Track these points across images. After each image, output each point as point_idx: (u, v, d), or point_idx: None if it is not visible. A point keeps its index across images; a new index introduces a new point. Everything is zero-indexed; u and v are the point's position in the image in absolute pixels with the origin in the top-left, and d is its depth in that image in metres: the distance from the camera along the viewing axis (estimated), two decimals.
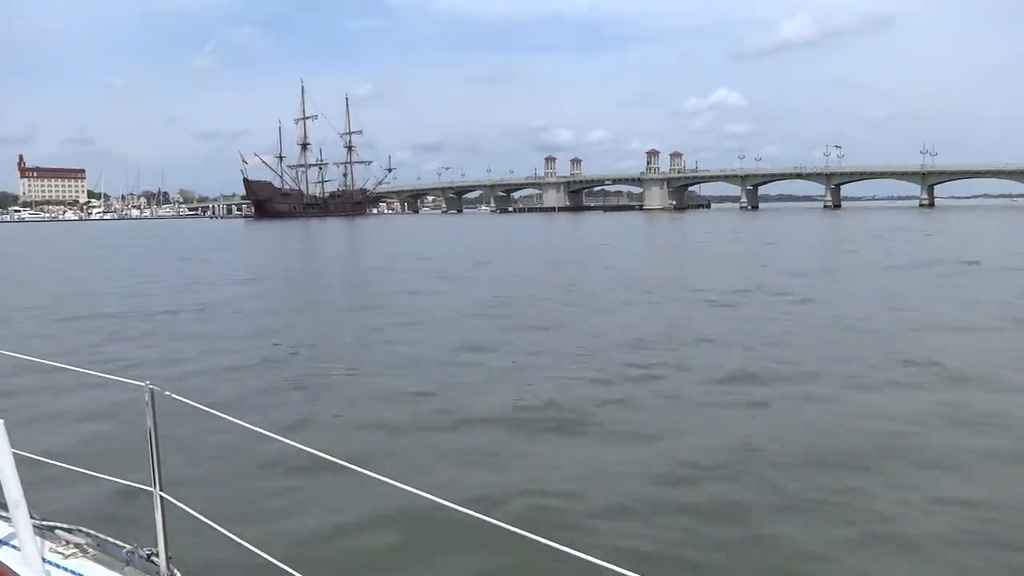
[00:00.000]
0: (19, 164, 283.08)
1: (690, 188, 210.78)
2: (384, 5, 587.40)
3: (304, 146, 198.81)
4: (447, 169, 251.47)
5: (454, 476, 8.04)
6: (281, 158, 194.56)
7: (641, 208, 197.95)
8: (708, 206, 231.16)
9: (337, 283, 32.55)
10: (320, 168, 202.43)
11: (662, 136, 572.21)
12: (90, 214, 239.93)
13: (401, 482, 2.99)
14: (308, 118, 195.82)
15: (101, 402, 10.61)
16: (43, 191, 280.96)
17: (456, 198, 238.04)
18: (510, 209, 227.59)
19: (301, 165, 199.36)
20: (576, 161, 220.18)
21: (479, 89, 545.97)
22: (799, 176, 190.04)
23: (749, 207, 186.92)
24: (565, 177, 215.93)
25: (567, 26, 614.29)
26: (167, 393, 3.28)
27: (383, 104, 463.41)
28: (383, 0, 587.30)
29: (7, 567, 2.67)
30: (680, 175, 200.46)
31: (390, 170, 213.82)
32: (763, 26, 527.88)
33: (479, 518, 2.86)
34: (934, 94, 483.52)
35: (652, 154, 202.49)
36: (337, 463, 3.18)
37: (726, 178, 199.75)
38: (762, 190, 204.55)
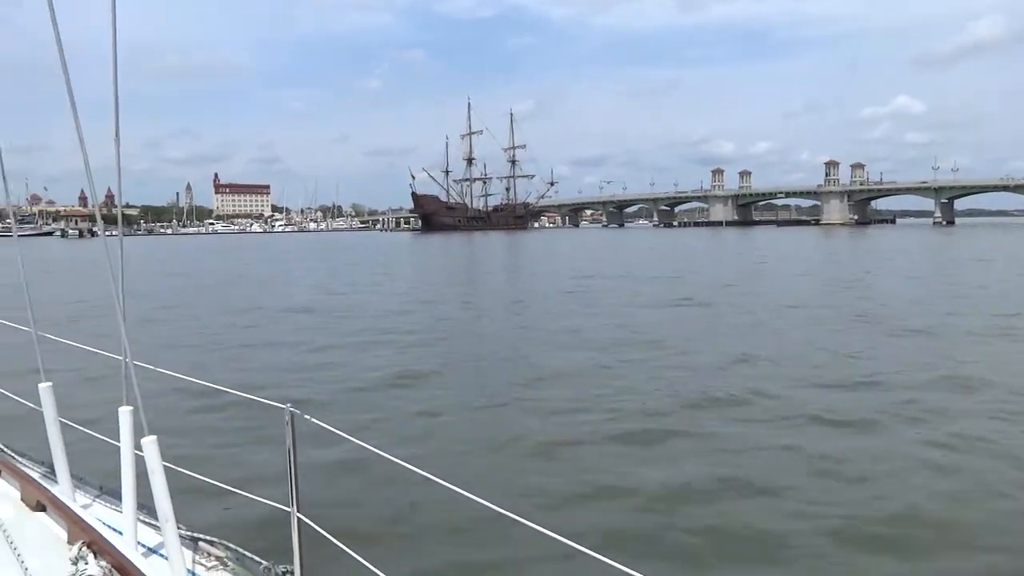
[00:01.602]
0: (214, 181, 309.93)
1: (872, 202, 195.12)
2: (545, 22, 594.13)
3: (469, 161, 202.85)
4: (608, 183, 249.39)
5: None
6: (447, 172, 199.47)
7: (818, 223, 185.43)
8: (893, 221, 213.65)
9: (572, 323, 23.18)
10: (484, 182, 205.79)
11: (833, 147, 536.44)
12: (273, 227, 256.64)
13: (562, 535, 2.74)
14: (473, 133, 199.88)
15: (247, 420, 10.47)
16: (233, 205, 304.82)
17: (618, 212, 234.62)
18: (674, 224, 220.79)
19: (466, 179, 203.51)
20: (745, 174, 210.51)
21: (639, 102, 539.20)
22: (1005, 188, 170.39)
23: (944, 222, 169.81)
24: (733, 190, 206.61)
25: (729, 35, 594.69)
26: (306, 417, 3.32)
27: (543, 119, 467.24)
28: (544, 17, 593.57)
29: None
30: (863, 187, 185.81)
31: (552, 184, 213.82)
32: (946, 28, 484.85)
33: None
34: None
35: (831, 165, 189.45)
36: (483, 504, 2.96)
37: (917, 190, 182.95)
38: (970, 203, 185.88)
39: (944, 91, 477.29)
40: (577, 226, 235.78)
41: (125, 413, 3.19)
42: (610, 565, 2.53)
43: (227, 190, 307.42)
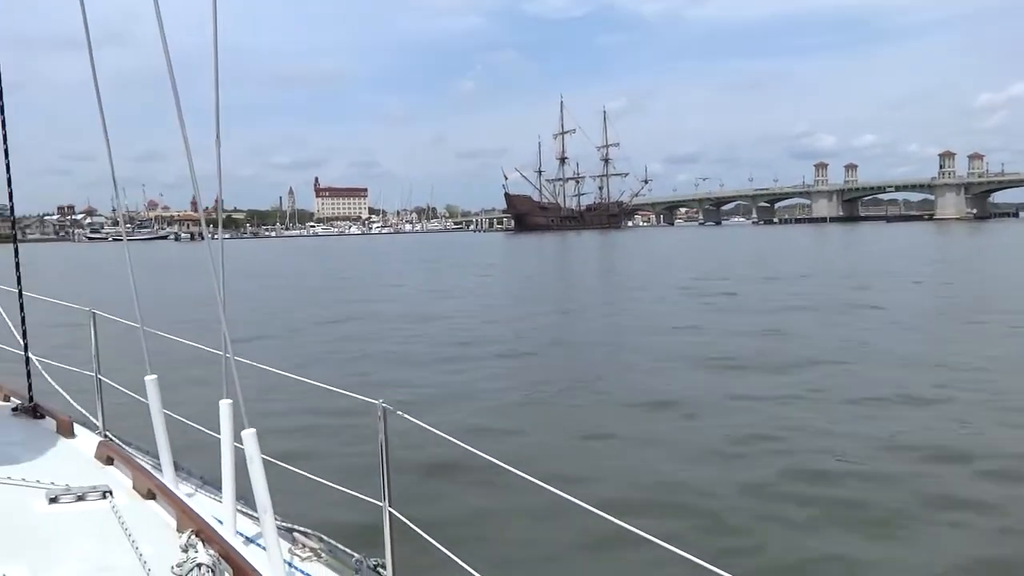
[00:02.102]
0: (315, 185, 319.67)
1: (991, 195, 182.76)
2: (637, 18, 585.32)
3: (562, 160, 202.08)
4: (704, 180, 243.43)
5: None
6: (540, 172, 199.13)
7: (931, 218, 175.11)
8: (1016, 215, 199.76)
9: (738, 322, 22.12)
10: (577, 181, 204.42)
11: (944, 139, 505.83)
12: (370, 228, 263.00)
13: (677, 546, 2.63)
14: (566, 132, 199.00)
15: (341, 416, 10.53)
16: (333, 208, 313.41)
17: (715, 210, 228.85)
18: (775, 220, 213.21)
19: (559, 179, 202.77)
20: (851, 167, 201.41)
21: (735, 97, 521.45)
22: None
23: None
24: (838, 185, 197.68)
25: (829, 24, 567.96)
26: (399, 413, 3.34)
27: (635, 117, 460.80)
28: (636, 14, 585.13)
29: (251, 566, 2.67)
30: (982, 180, 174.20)
31: (646, 182, 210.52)
32: None
33: None
34: None
35: (946, 157, 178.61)
36: (579, 504, 2.91)
37: None
38: None
39: None
40: (672, 224, 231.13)
41: (225, 406, 3.26)
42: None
43: (327, 193, 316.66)
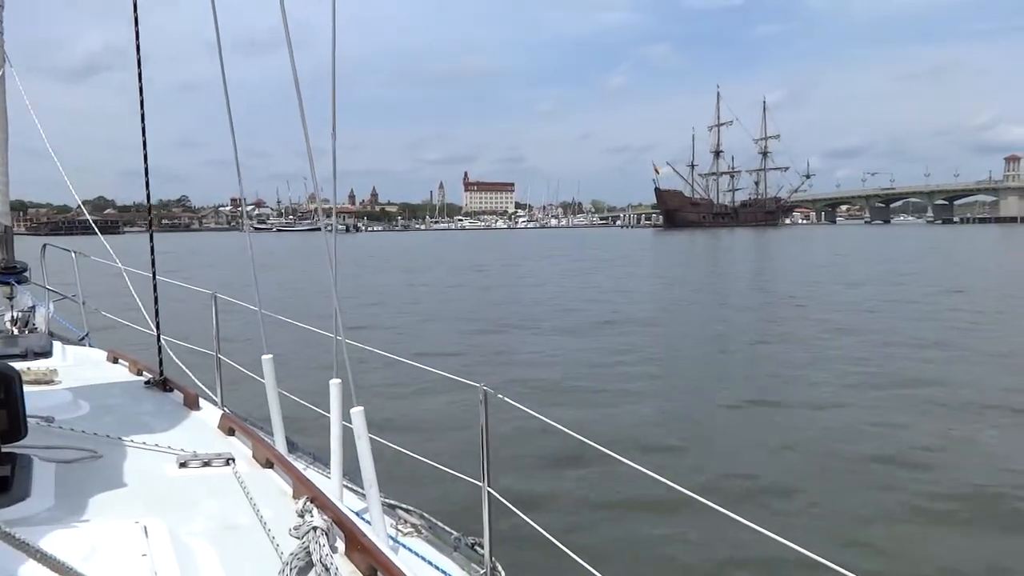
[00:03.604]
0: (464, 180, 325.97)
1: None
2: (799, 6, 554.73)
3: (716, 153, 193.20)
4: (873, 175, 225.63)
5: None
6: (692, 167, 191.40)
7: None
8: None
9: None
10: (732, 176, 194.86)
11: None
12: (516, 223, 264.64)
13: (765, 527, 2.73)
14: (722, 124, 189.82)
15: (443, 398, 10.93)
16: (481, 203, 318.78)
17: (884, 207, 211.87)
18: (954, 219, 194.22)
19: (712, 173, 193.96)
20: None
21: (906, 87, 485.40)
22: None
23: None
24: None
25: (1014, 7, 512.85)
26: (499, 396, 3.46)
27: (795, 109, 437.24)
28: (798, 2, 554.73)
29: (362, 532, 2.81)
30: None
31: (808, 176, 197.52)
32: None
33: None
34: None
35: None
36: (675, 488, 3.01)
37: None
38: None
39: None
40: (833, 222, 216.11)
41: (335, 385, 3.47)
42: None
43: (475, 188, 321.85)
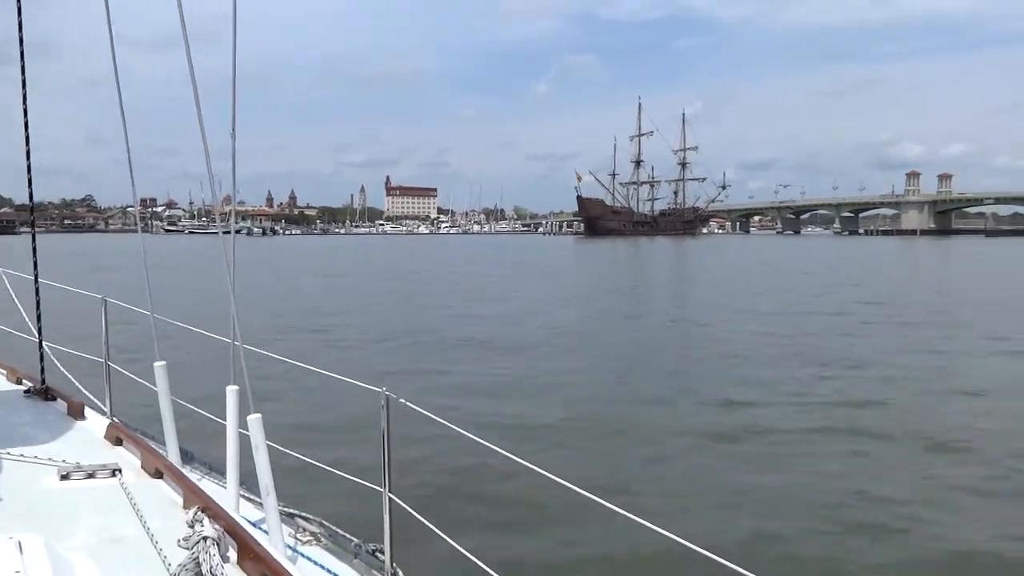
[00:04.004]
0: (386, 184, 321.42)
1: None
2: (717, 22, 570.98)
3: (637, 163, 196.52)
4: (785, 187, 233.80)
5: None
6: (614, 176, 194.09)
7: None
8: None
9: None
10: (652, 186, 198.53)
11: None
12: (439, 228, 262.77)
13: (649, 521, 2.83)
14: (643, 135, 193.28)
15: (346, 404, 10.30)
16: (403, 207, 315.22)
17: (795, 218, 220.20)
18: (859, 231, 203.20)
19: (633, 183, 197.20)
20: (945, 177, 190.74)
21: (817, 102, 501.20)
22: None
23: None
24: (931, 195, 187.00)
25: (919, 30, 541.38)
26: (401, 400, 3.39)
27: (711, 122, 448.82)
28: (715, 17, 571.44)
29: (256, 540, 2.68)
30: None
31: (724, 187, 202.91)
32: None
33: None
34: None
35: None
36: (577, 491, 3.00)
37: None
38: None
39: None
40: (748, 232, 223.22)
41: (232, 392, 3.35)
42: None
43: (397, 192, 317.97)
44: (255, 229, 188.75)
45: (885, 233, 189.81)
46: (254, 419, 3.12)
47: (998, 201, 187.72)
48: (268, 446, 3.16)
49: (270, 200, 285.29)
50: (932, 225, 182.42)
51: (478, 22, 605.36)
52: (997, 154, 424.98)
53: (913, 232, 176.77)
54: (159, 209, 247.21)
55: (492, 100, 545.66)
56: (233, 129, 3.16)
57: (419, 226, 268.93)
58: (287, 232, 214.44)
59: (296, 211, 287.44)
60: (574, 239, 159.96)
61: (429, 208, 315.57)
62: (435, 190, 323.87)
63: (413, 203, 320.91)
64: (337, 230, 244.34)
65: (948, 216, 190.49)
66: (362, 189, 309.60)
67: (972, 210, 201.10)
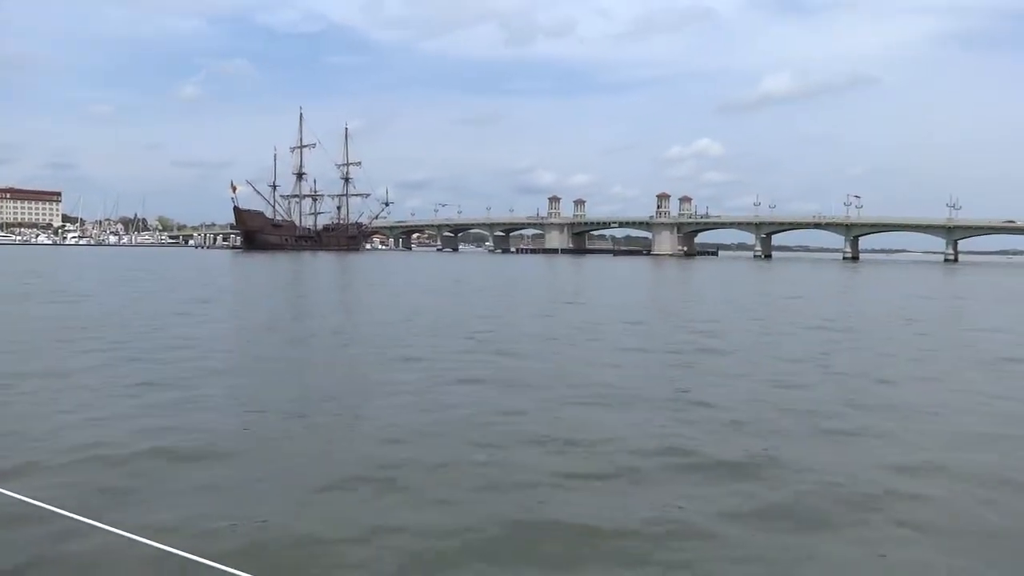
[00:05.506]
0: None
1: (697, 235, 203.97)
2: (371, 43, 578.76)
3: (299, 176, 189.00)
4: (444, 206, 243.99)
5: None
6: (275, 187, 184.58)
7: (649, 253, 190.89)
8: (715, 253, 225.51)
9: None
10: (315, 199, 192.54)
11: (643, 182, 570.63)
12: (65, 238, 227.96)
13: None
14: (305, 147, 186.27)
15: None
16: (17, 213, 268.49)
17: (453, 236, 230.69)
18: (512, 249, 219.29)
19: (295, 195, 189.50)
20: (580, 203, 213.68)
21: (465, 129, 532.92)
22: (817, 226, 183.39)
23: (763, 256, 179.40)
24: (569, 218, 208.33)
25: (550, 72, 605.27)
26: None
27: (374, 139, 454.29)
28: (369, 39, 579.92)
29: None
30: (691, 220, 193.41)
31: (387, 204, 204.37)
32: (748, 79, 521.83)
33: None
34: (912, 152, 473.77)
35: (663, 198, 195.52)
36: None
37: (739, 225, 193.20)
38: (777, 240, 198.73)
39: (742, 136, 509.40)
40: (410, 248, 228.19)
41: None
42: None
43: (7, 195, 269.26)
44: None
45: (533, 251, 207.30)
46: None
47: (621, 225, 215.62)
48: None
49: None
50: (571, 245, 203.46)
51: (111, 11, 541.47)
52: (612, 184, 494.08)
53: (555, 251, 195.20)
54: None
55: (131, 98, 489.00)
56: None
57: (39, 235, 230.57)
58: None
59: None
60: (232, 253, 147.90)
61: (52, 215, 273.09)
62: (59, 195, 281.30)
63: (31, 208, 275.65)
64: None
65: (583, 237, 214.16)
66: None
67: (596, 232, 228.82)
